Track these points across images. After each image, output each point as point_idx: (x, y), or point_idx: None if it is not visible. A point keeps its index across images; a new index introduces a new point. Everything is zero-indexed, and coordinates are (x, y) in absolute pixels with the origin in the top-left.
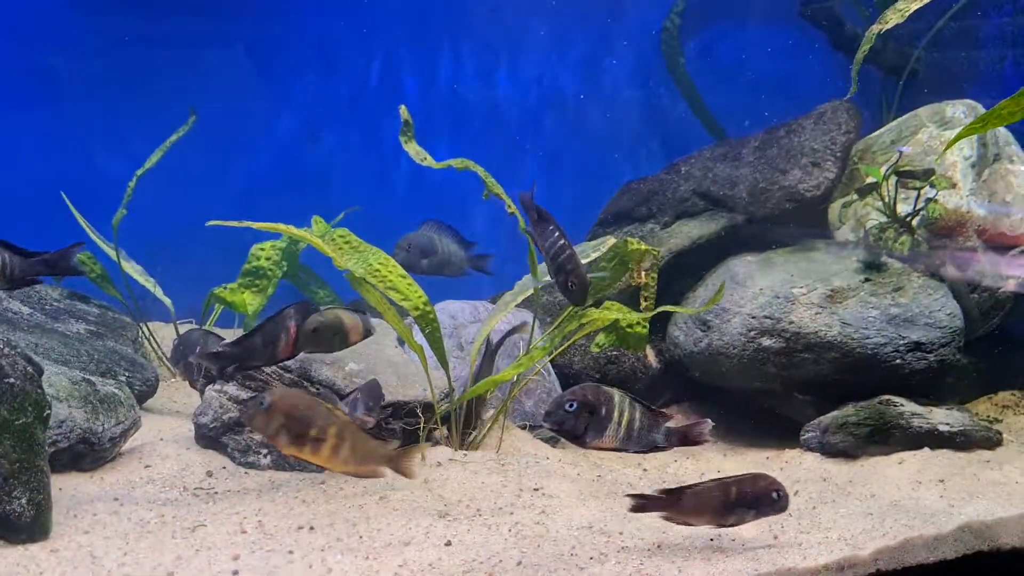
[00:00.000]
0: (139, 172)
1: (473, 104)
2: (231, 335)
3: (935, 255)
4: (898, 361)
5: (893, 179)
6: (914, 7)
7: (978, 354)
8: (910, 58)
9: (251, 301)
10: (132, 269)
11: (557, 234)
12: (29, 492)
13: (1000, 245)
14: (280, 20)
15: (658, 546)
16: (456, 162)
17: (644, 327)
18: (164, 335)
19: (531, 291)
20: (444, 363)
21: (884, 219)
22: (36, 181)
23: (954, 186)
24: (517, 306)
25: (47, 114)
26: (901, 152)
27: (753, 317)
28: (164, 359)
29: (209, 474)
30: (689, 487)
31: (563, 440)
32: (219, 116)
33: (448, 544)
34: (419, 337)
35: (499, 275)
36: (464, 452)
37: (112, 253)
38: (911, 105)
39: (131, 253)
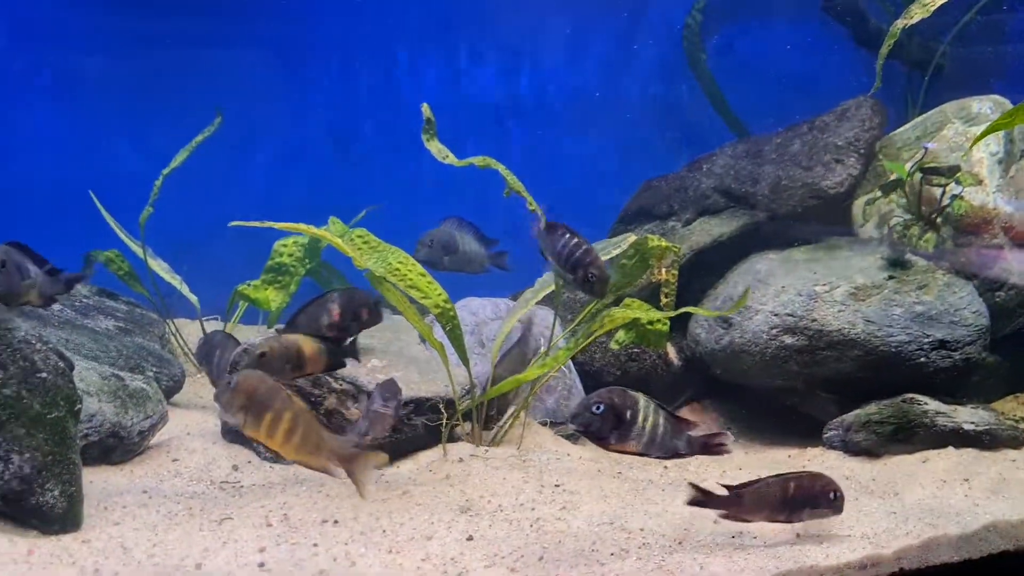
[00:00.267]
0: (165, 171)
1: (493, 102)
2: (255, 332)
3: (961, 252)
4: (922, 359)
5: (918, 176)
6: (939, 1)
7: (1004, 352)
8: (935, 53)
9: (274, 298)
10: (159, 267)
11: (568, 235)
12: (61, 484)
13: None
14: (303, 21)
15: (679, 542)
16: (477, 160)
17: (665, 324)
18: (190, 331)
19: (551, 288)
20: (465, 360)
21: (908, 216)
22: (65, 179)
23: (980, 183)
24: (537, 303)
25: (75, 114)
26: (926, 148)
27: (775, 315)
28: (190, 355)
29: (235, 468)
30: (750, 484)
31: (584, 437)
32: (244, 115)
33: (470, 539)
34: (440, 334)
35: (519, 272)
36: (486, 448)
37: (139, 251)
38: (936, 101)
39: (157, 251)
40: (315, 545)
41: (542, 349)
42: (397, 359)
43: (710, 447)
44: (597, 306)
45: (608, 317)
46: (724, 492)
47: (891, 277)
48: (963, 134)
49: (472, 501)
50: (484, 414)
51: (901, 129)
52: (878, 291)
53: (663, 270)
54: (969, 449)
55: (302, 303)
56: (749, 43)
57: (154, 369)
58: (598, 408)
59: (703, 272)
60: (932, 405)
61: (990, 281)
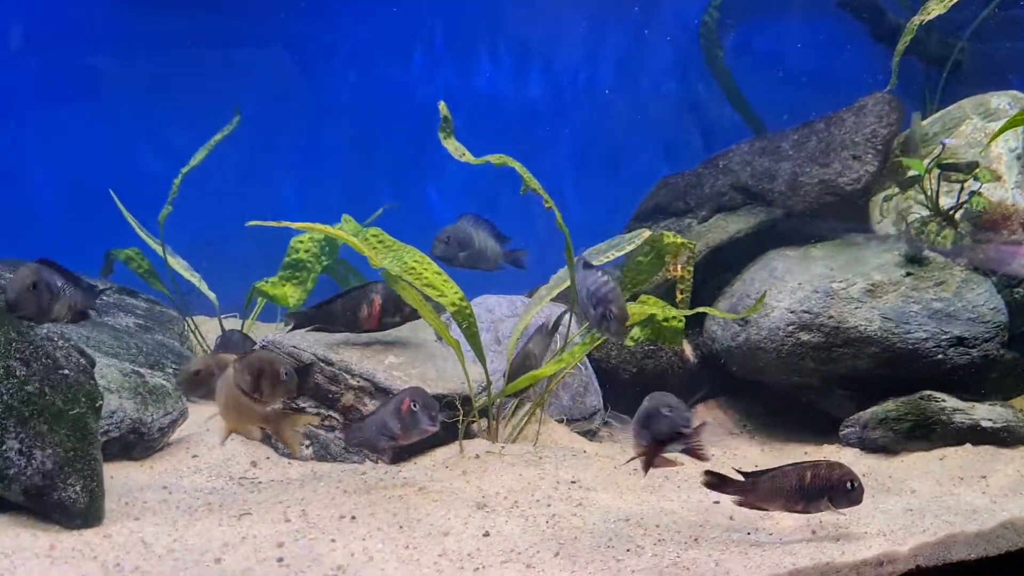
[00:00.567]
0: (184, 170)
1: (510, 100)
2: (273, 329)
3: (979, 249)
4: (940, 356)
5: (936, 172)
6: None
7: (1022, 349)
8: (953, 48)
9: (292, 294)
10: (178, 264)
11: (605, 276)
12: (83, 480)
13: None
14: (321, 20)
15: (695, 539)
16: (494, 158)
17: (680, 321)
18: (209, 329)
19: (566, 284)
20: (481, 357)
21: (926, 212)
22: (85, 178)
23: (999, 179)
24: (552, 300)
25: (95, 113)
26: (944, 144)
27: (792, 312)
28: (209, 352)
29: (253, 464)
30: (766, 471)
31: (599, 434)
32: (262, 114)
33: (486, 535)
34: (456, 332)
35: (535, 270)
36: (502, 445)
37: (158, 249)
38: (954, 97)
39: (177, 249)
40: (333, 540)
41: (557, 347)
42: (414, 356)
43: (691, 451)
44: None
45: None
46: (740, 478)
47: (909, 274)
48: (981, 130)
49: (488, 497)
50: (500, 409)
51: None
52: (895, 288)
53: (679, 266)
54: (987, 446)
55: (317, 296)
56: (766, 40)
57: (174, 366)
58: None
59: (720, 269)
60: (950, 402)
61: (1008, 277)
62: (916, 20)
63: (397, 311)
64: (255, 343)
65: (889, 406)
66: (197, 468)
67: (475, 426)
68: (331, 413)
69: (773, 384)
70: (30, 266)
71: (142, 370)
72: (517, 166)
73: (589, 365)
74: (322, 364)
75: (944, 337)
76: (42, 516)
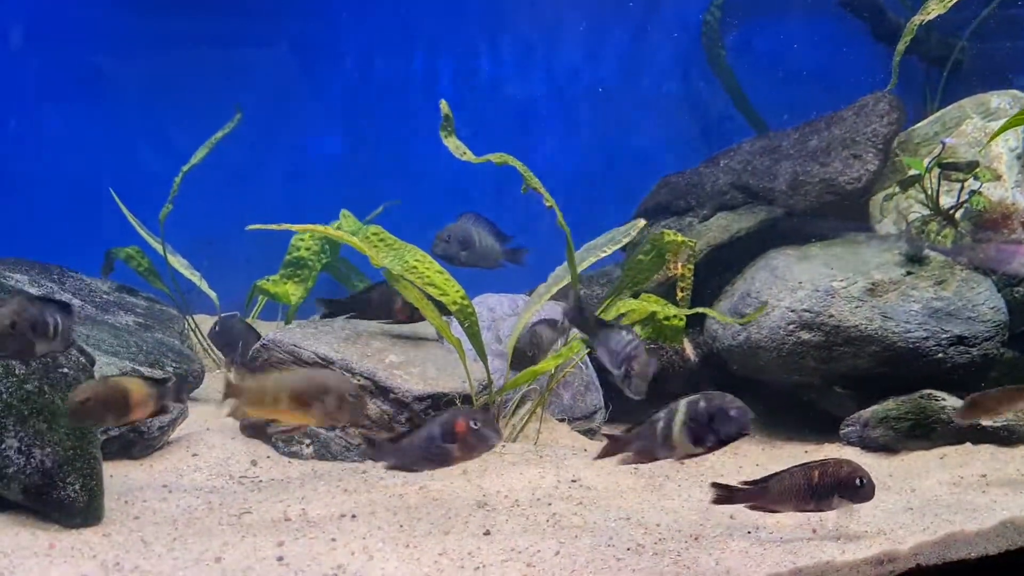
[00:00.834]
0: (184, 168)
1: (510, 98)
2: (274, 327)
3: (979, 248)
4: (940, 355)
5: (936, 171)
6: None
7: (1022, 348)
8: (954, 48)
9: (293, 292)
10: (178, 263)
11: (625, 332)
12: (82, 479)
13: None
14: (321, 18)
15: (696, 538)
16: (495, 157)
17: (681, 320)
18: (209, 327)
19: (566, 281)
20: (482, 355)
21: (927, 212)
22: (85, 177)
23: (999, 178)
24: (552, 298)
25: (95, 112)
26: (944, 143)
27: (792, 310)
28: (210, 351)
29: (254, 463)
30: (773, 475)
31: (600, 432)
32: (261, 113)
33: (487, 534)
34: (457, 330)
35: (536, 268)
36: (503, 443)
37: (159, 247)
38: (954, 96)
39: (177, 247)
40: (333, 540)
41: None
42: (415, 355)
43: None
44: (612, 299)
45: (625, 308)
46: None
47: (909, 273)
48: (981, 129)
49: (489, 496)
50: (501, 408)
51: (919, 124)
52: (896, 287)
53: (679, 265)
54: (987, 445)
55: (317, 294)
56: (768, 39)
57: (173, 364)
58: None
59: (720, 268)
60: (950, 401)
61: (1008, 277)
62: (916, 20)
63: None
64: (259, 335)
65: (889, 405)
66: (197, 467)
67: None
68: None
69: (774, 383)
70: (9, 302)
71: (142, 368)
72: (518, 165)
73: (590, 364)
74: (322, 363)
75: (944, 336)
76: (41, 515)
